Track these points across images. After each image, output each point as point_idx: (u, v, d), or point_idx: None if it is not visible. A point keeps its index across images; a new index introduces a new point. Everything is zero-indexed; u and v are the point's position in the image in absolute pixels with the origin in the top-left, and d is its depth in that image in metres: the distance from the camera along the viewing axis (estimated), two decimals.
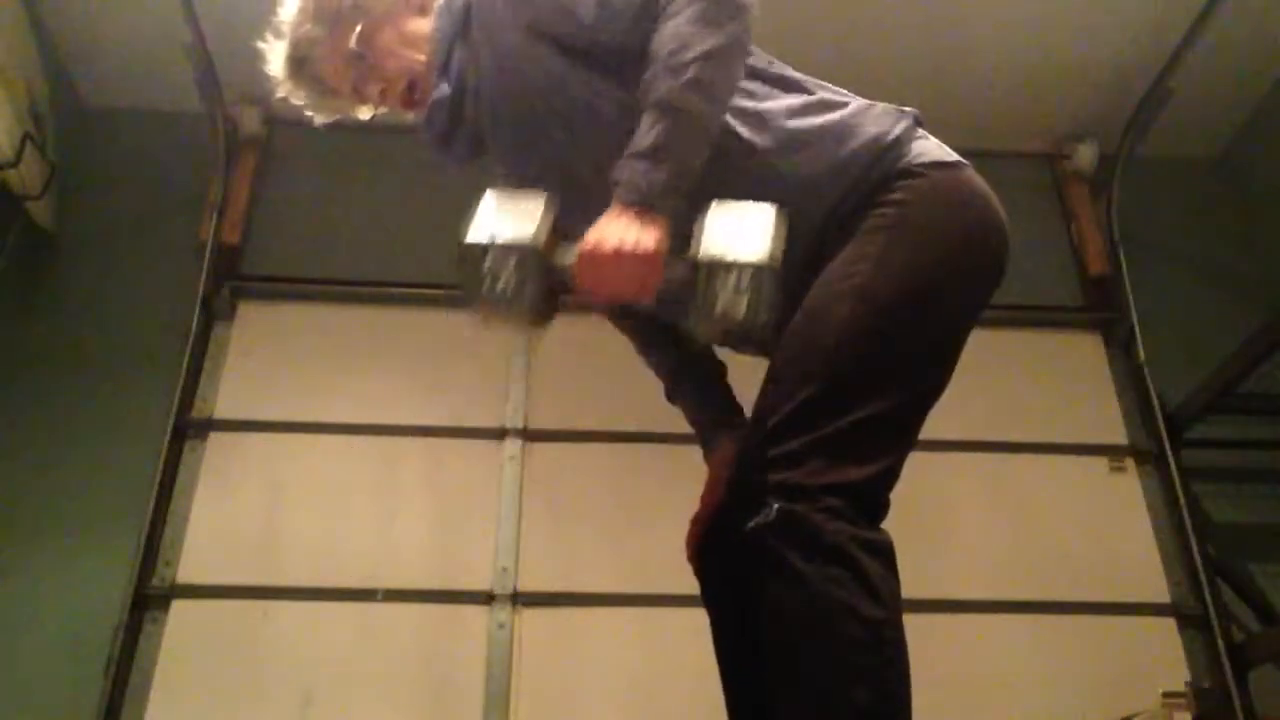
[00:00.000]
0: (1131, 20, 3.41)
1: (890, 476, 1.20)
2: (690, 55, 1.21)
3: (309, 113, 1.56)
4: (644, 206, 1.17)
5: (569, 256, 1.19)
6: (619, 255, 1.15)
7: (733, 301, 1.13)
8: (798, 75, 1.38)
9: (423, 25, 1.46)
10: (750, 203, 1.19)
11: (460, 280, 1.18)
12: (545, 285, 1.18)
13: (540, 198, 1.20)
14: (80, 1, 3.31)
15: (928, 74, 3.46)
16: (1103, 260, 3.65)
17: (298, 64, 1.49)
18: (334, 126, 1.60)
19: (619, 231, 1.16)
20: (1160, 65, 3.44)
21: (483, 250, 1.16)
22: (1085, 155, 3.78)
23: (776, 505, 1.10)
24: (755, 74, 1.34)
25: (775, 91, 1.34)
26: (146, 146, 3.60)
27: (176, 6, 3.07)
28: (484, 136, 1.41)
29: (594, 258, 1.16)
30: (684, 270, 1.17)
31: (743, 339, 1.18)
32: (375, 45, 1.44)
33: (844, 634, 1.07)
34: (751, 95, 1.32)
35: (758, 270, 1.13)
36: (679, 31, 1.23)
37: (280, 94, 1.54)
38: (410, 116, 1.52)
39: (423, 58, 1.43)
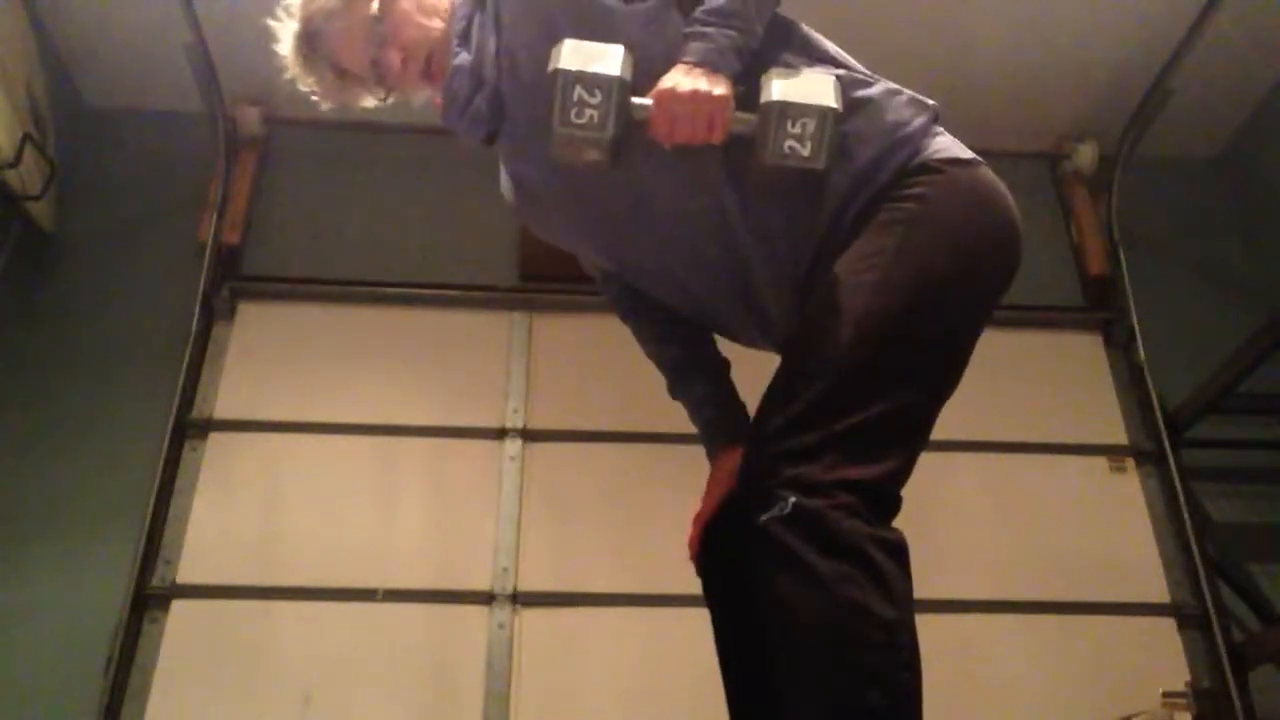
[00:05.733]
0: (1131, 20, 3.41)
1: (904, 473, 1.19)
2: None
3: (315, 98, 1.52)
4: (712, 63, 1.24)
5: (645, 99, 1.25)
6: (693, 96, 1.21)
7: (798, 142, 1.21)
8: (828, 46, 1.37)
9: None
10: (811, 70, 1.28)
11: (548, 107, 1.24)
12: (624, 121, 1.24)
13: (619, 47, 1.26)
14: (80, 1, 3.31)
15: (927, 74, 3.42)
16: (1103, 260, 3.65)
17: (311, 38, 1.45)
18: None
19: (692, 78, 1.23)
20: (1160, 65, 3.43)
21: (574, 79, 1.22)
22: (1085, 155, 3.78)
23: (792, 499, 1.09)
24: (787, 40, 1.35)
25: (806, 58, 1.33)
26: (146, 146, 3.60)
27: (176, 6, 3.06)
28: (505, 101, 1.39)
29: (670, 98, 1.22)
30: (749, 122, 1.25)
31: (799, 181, 1.25)
32: (393, 13, 1.41)
33: (858, 635, 1.05)
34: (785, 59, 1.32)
35: (823, 114, 1.21)
36: None
37: (287, 75, 1.49)
38: (420, 98, 1.50)
39: (441, 26, 1.42)
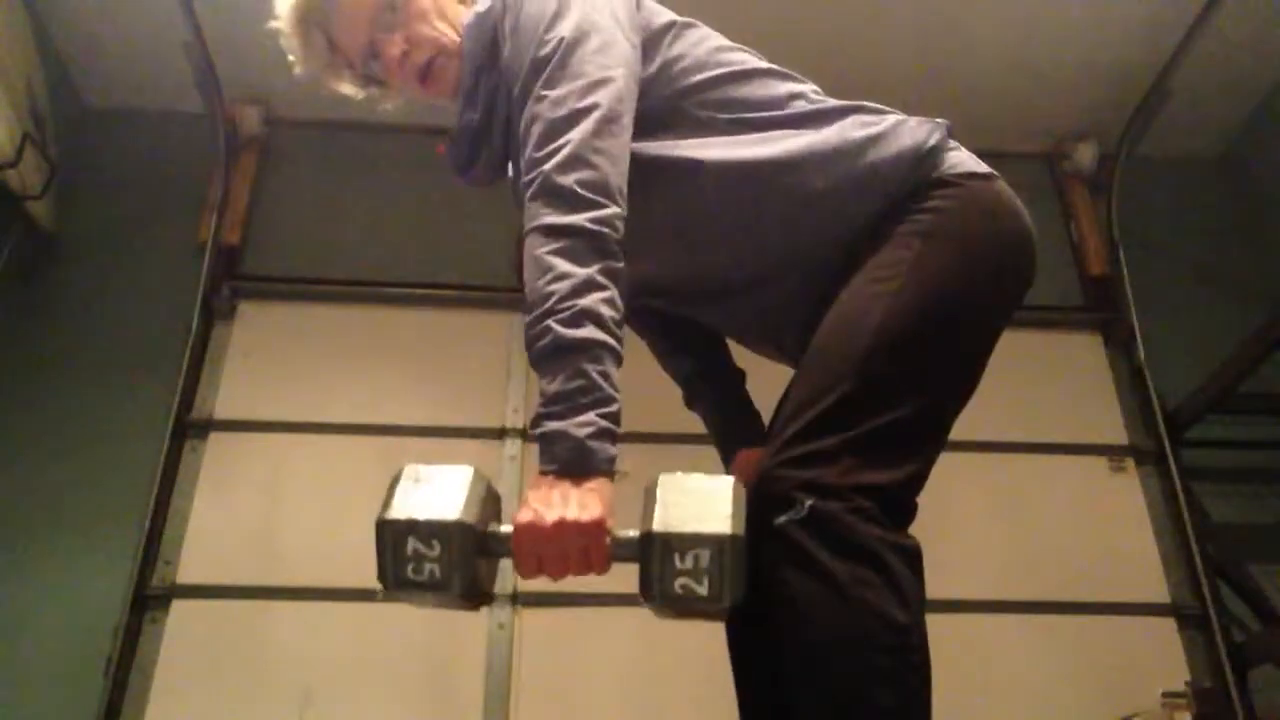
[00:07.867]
0: (1131, 20, 3.41)
1: (919, 480, 1.20)
2: (563, 291, 1.10)
3: (292, 59, 1.47)
4: (574, 471, 1.06)
5: (505, 528, 1.05)
6: (558, 532, 1.03)
7: (692, 579, 0.99)
8: (830, 102, 1.36)
9: (460, 11, 1.43)
10: (704, 476, 1.06)
11: (378, 564, 1.02)
12: (478, 565, 1.03)
13: (468, 469, 1.06)
14: (80, 1, 3.31)
15: (927, 74, 3.46)
16: (1103, 260, 3.65)
17: (315, 6, 1.43)
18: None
19: (554, 504, 1.04)
20: (1160, 65, 3.44)
21: (404, 530, 1.00)
22: (1085, 155, 3.78)
23: (808, 502, 1.09)
24: (792, 97, 1.34)
25: (804, 112, 1.33)
26: (146, 146, 3.60)
27: (176, 6, 3.06)
28: (510, 159, 1.39)
29: (530, 536, 1.04)
30: (636, 542, 1.03)
31: (709, 616, 1.07)
32: (410, 4, 1.40)
33: (871, 637, 1.06)
34: (778, 120, 1.31)
35: (719, 544, 0.99)
36: (541, 264, 1.12)
37: (272, 24, 1.46)
38: (402, 99, 1.49)
39: (453, 35, 1.40)
